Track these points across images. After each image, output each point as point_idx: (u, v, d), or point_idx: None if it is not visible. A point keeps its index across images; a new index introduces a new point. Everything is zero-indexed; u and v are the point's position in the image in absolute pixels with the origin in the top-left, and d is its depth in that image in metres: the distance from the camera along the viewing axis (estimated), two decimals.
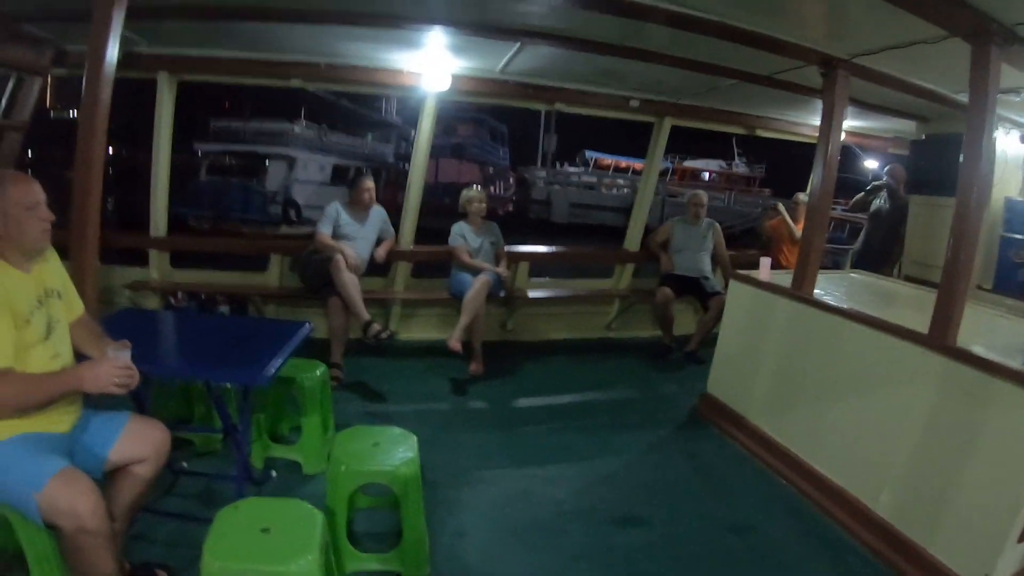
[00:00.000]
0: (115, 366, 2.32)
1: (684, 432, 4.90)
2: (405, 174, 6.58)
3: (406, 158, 24.53)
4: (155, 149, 6.06)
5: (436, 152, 38.89)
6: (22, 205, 2.31)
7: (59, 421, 2.40)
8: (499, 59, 5.37)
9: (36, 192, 2.37)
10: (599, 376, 6.15)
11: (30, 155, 19.29)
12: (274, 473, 3.66)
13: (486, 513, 3.54)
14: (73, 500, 2.13)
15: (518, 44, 4.81)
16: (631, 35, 4.35)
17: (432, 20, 4.41)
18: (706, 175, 39.37)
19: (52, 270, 2.56)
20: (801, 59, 4.27)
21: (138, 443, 2.51)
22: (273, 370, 2.91)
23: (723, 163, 39.80)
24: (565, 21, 4.26)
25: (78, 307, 2.70)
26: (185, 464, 3.60)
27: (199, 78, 6.15)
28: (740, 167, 39.85)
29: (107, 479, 2.44)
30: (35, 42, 5.39)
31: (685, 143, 33.50)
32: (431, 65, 5.75)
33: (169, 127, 6.10)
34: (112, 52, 3.42)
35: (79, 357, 2.57)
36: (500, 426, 4.84)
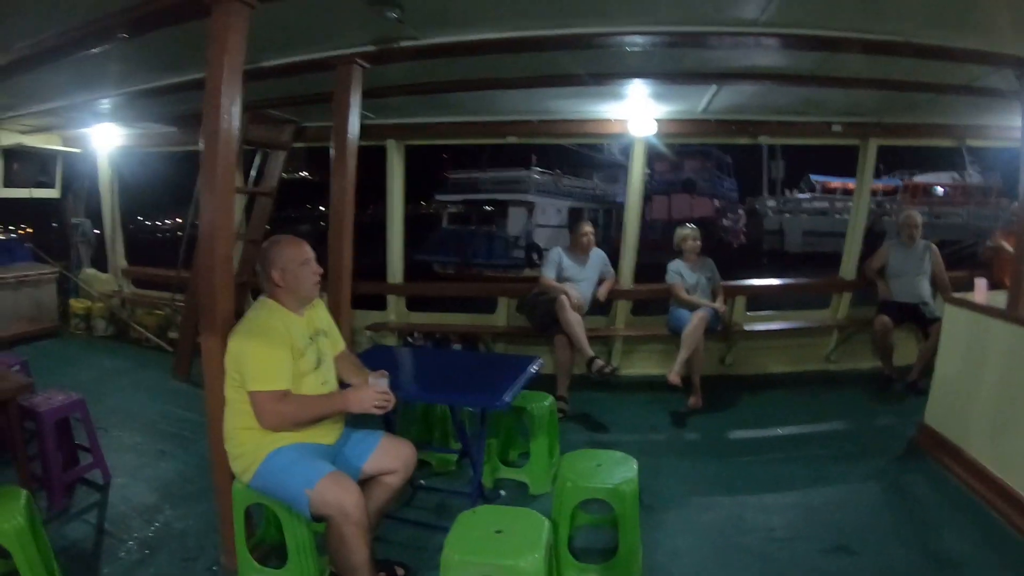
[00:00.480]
0: (376, 391, 2.91)
1: (900, 464, 4.80)
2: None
3: None
4: (389, 207, 7.21)
5: (667, 188, 36.97)
6: (297, 262, 3.01)
7: (327, 435, 3.04)
8: (699, 100, 5.68)
9: (308, 251, 3.06)
10: (816, 408, 6.16)
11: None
12: (503, 492, 4.16)
13: (698, 536, 3.74)
14: (341, 496, 2.71)
15: (715, 87, 5.06)
16: (827, 65, 4.46)
17: (633, 74, 4.83)
18: (939, 189, 34.21)
19: (320, 314, 3.23)
20: (993, 64, 4.20)
21: (390, 457, 3.09)
22: (510, 397, 3.34)
23: (955, 175, 34.11)
24: (760, 60, 4.46)
25: (340, 344, 3.35)
26: (423, 481, 4.16)
27: (423, 142, 7.20)
28: (974, 177, 33.64)
29: (361, 487, 2.89)
30: (278, 123, 6.83)
31: (912, 157, 31.00)
32: (635, 112, 6.23)
33: (400, 187, 7.21)
34: (354, 127, 4.32)
35: (342, 385, 3.22)
36: (716, 456, 5.03)
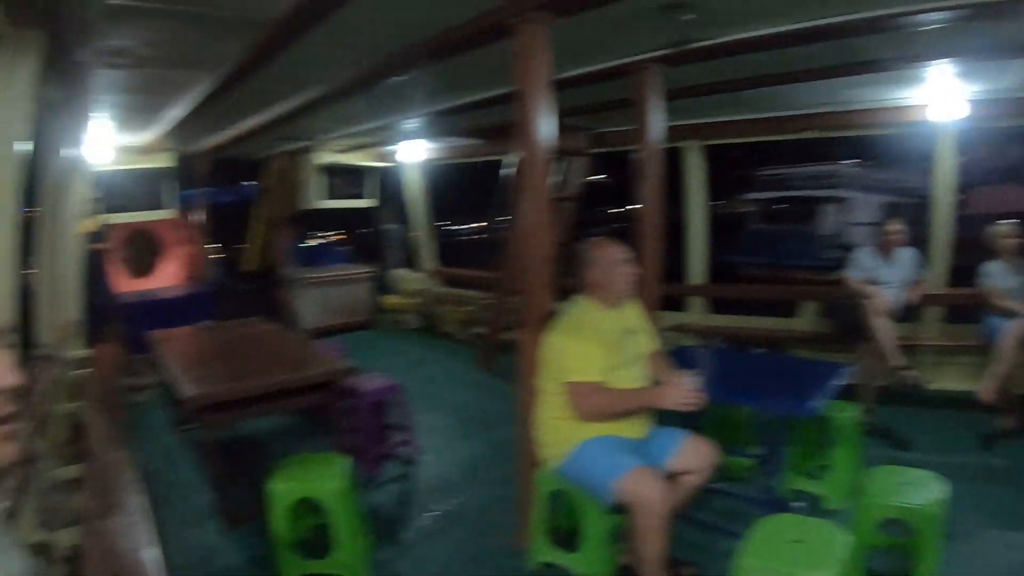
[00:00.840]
0: (687, 389, 2.90)
1: None
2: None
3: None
4: (690, 208, 6.95)
5: (993, 178, 29.58)
6: (614, 262, 3.12)
7: (635, 429, 3.10)
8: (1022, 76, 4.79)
9: (621, 252, 3.15)
10: None
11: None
12: (797, 504, 3.84)
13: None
14: (647, 489, 2.75)
15: None
16: None
17: (936, 55, 4.30)
18: None
19: (633, 313, 3.30)
20: None
21: (692, 457, 3.07)
22: (817, 404, 3.24)
23: None
24: None
25: (653, 342, 3.39)
26: (718, 484, 3.88)
27: (720, 141, 6.87)
28: None
29: None
30: (574, 130, 6.87)
31: None
32: (941, 96, 5.47)
33: (701, 187, 6.97)
34: (656, 131, 4.27)
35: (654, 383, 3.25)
36: None
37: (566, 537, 3.55)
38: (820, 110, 6.12)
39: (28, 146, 2.80)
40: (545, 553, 3.39)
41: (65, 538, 2.79)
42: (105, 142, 7.27)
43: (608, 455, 2.93)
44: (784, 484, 3.97)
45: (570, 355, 3.01)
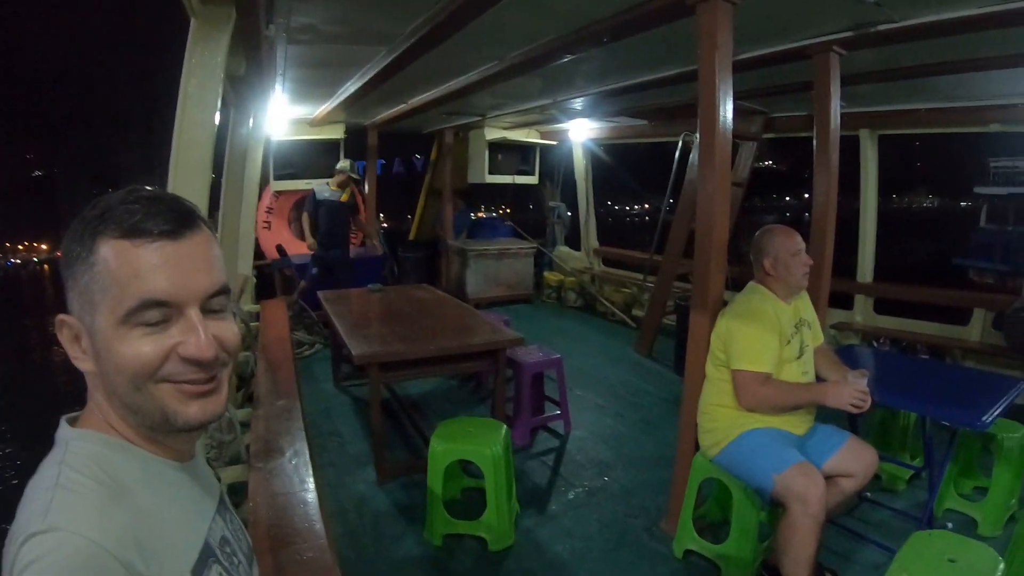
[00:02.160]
0: (856, 389, 2.85)
1: None
2: None
3: None
4: (863, 200, 6.63)
5: None
6: (789, 252, 3.06)
7: (798, 425, 3.07)
8: None
9: (799, 242, 3.10)
10: None
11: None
12: (950, 525, 3.59)
13: None
14: (806, 487, 2.71)
15: None
16: None
17: None
18: None
19: (805, 305, 3.25)
20: None
21: (852, 460, 3.00)
22: (991, 418, 3.00)
23: None
24: None
25: (820, 337, 3.35)
26: (869, 493, 3.88)
27: (897, 131, 6.46)
28: None
29: None
30: (748, 113, 6.66)
31: None
32: None
33: (875, 179, 6.66)
34: (835, 118, 4.12)
35: (818, 379, 3.21)
36: None
37: (713, 527, 3.58)
38: (1007, 101, 5.70)
39: (218, 117, 3.06)
40: (691, 541, 3.39)
41: (231, 475, 3.09)
42: (281, 114, 7.83)
43: (771, 448, 2.93)
44: (938, 502, 3.72)
45: (742, 343, 3.01)
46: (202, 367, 0.92)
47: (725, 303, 3.33)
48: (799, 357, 3.09)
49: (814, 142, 4.27)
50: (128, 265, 0.87)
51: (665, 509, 3.76)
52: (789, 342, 3.04)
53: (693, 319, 3.45)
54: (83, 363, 0.93)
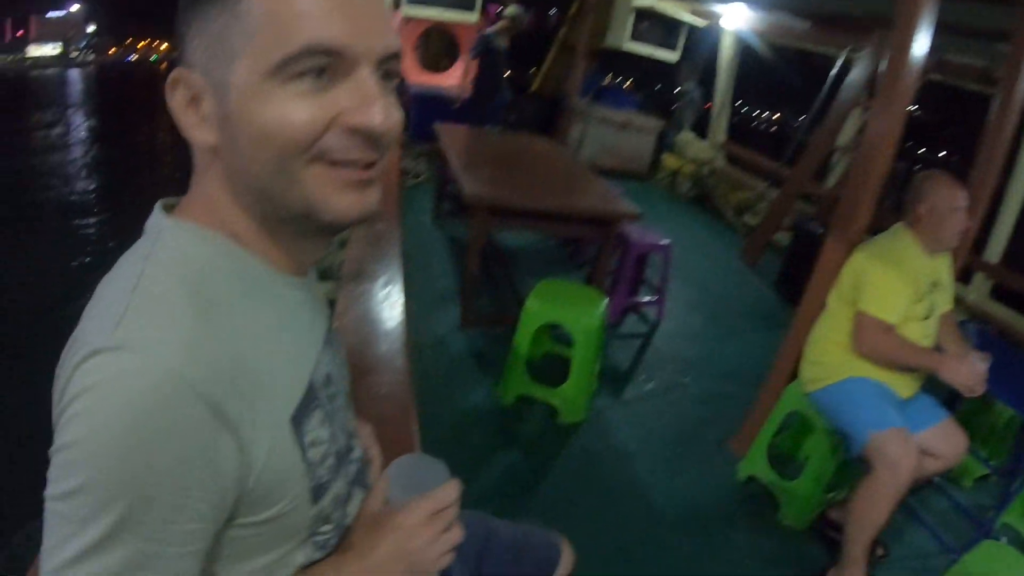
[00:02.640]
0: (976, 371, 2.63)
1: None
2: None
3: None
4: (1016, 173, 5.64)
5: None
6: (949, 206, 2.79)
7: (906, 387, 2.88)
8: None
9: (961, 199, 2.80)
10: None
11: None
12: (1004, 539, 3.31)
13: None
14: (901, 453, 2.57)
15: None
16: None
17: None
18: None
19: (944, 265, 2.99)
20: None
21: (944, 442, 2.84)
22: None
23: None
24: None
25: (951, 303, 3.07)
26: (936, 478, 3.49)
27: None
28: None
29: None
30: None
31: None
32: None
33: None
34: None
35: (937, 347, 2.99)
36: None
37: (781, 459, 3.44)
38: None
39: None
40: (758, 468, 3.28)
41: (321, 291, 3.03)
42: None
43: (875, 402, 2.77)
44: (1010, 511, 3.43)
45: (876, 285, 2.79)
46: (370, 144, 0.71)
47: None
48: (926, 318, 2.87)
49: (995, 101, 3.80)
50: (289, 1, 0.65)
51: (738, 428, 3.61)
52: (920, 300, 2.83)
53: (828, 247, 3.21)
54: (201, 133, 0.72)
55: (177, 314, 0.64)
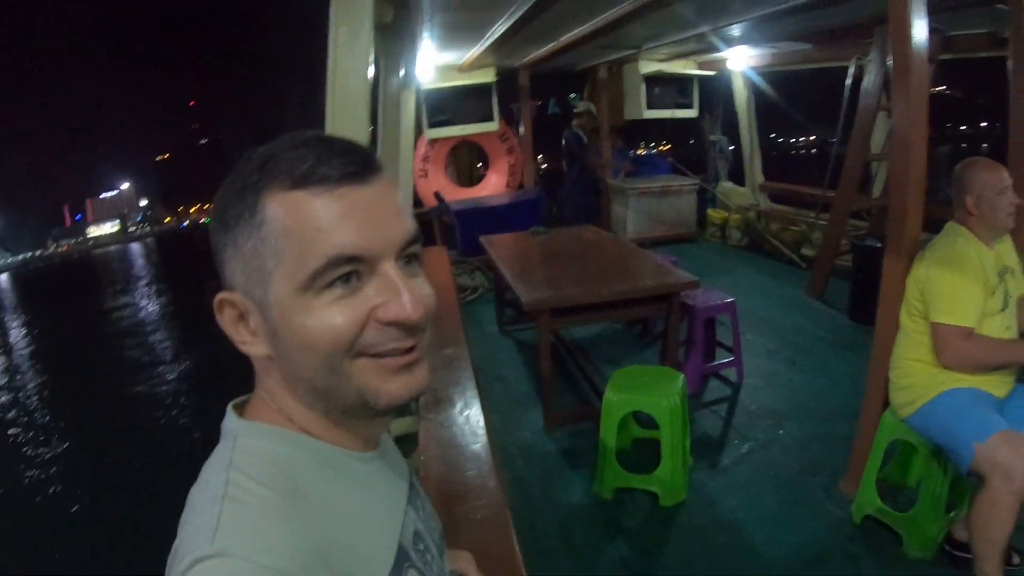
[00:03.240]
0: None
1: None
2: None
3: None
4: None
5: None
6: (995, 189, 2.75)
7: (999, 385, 2.79)
8: None
9: (1005, 177, 2.77)
10: None
11: None
12: None
13: None
14: (1012, 458, 2.46)
15: None
16: None
17: None
18: None
19: (1007, 249, 2.92)
20: None
21: None
22: None
23: None
24: None
25: (1022, 285, 2.99)
26: None
27: None
28: None
29: None
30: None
31: None
32: None
33: None
34: None
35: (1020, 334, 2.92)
36: None
37: (893, 491, 3.36)
38: None
39: (372, 68, 3.01)
40: (871, 506, 3.18)
41: (400, 426, 3.13)
42: (429, 61, 7.88)
43: (972, 411, 2.67)
44: None
45: (943, 292, 2.74)
46: (406, 332, 0.78)
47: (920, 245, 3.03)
48: (1003, 309, 2.80)
49: (1009, 63, 3.76)
50: (307, 218, 0.73)
51: (844, 468, 3.55)
52: (993, 293, 2.76)
53: (887, 264, 3.16)
54: (254, 347, 0.80)
55: (266, 515, 0.70)
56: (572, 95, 10.42)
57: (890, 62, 3.31)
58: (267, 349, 0.80)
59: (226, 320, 0.81)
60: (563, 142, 8.65)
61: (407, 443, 2.68)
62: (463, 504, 2.01)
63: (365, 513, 0.83)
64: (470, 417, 2.63)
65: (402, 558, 0.84)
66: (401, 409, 2.97)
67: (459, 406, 2.74)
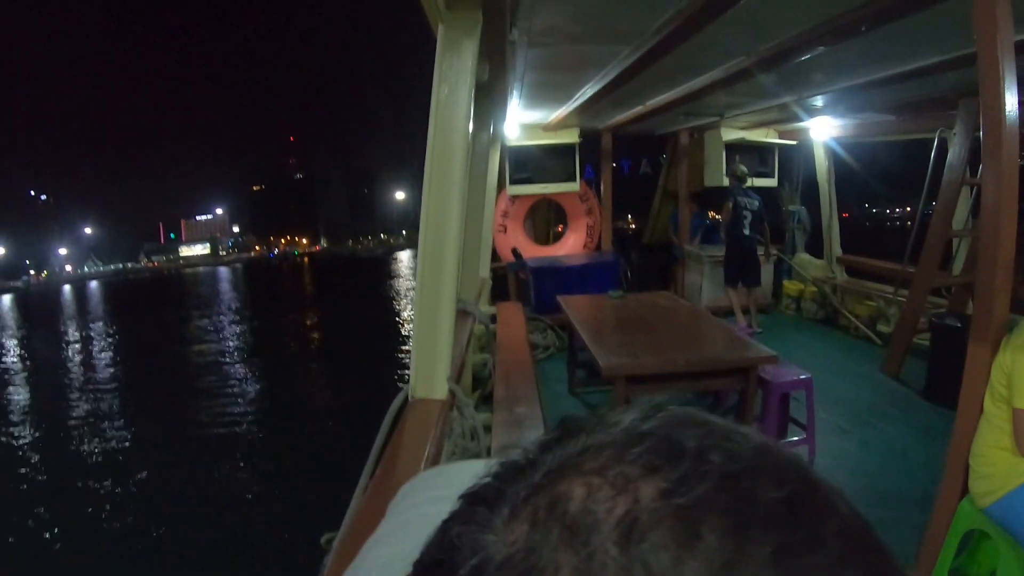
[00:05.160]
0: None
1: None
2: None
3: None
4: None
5: None
6: None
7: None
8: None
9: None
10: None
11: None
12: None
13: None
14: None
15: None
16: None
17: None
18: None
19: None
20: None
21: None
22: None
23: None
24: None
25: None
26: None
27: None
28: None
29: None
30: None
31: None
32: None
33: None
34: None
35: None
36: None
37: None
38: None
39: (471, 124, 3.09)
40: None
41: None
42: (515, 119, 8.01)
43: None
44: None
45: None
46: None
47: (1010, 328, 2.94)
48: None
49: None
50: None
51: (914, 554, 3.40)
52: None
53: (972, 348, 3.06)
54: None
55: None
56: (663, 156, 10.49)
57: (978, 134, 3.24)
58: None
59: None
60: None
61: None
62: None
63: None
64: None
65: None
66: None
67: None
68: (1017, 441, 2.69)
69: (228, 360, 24.06)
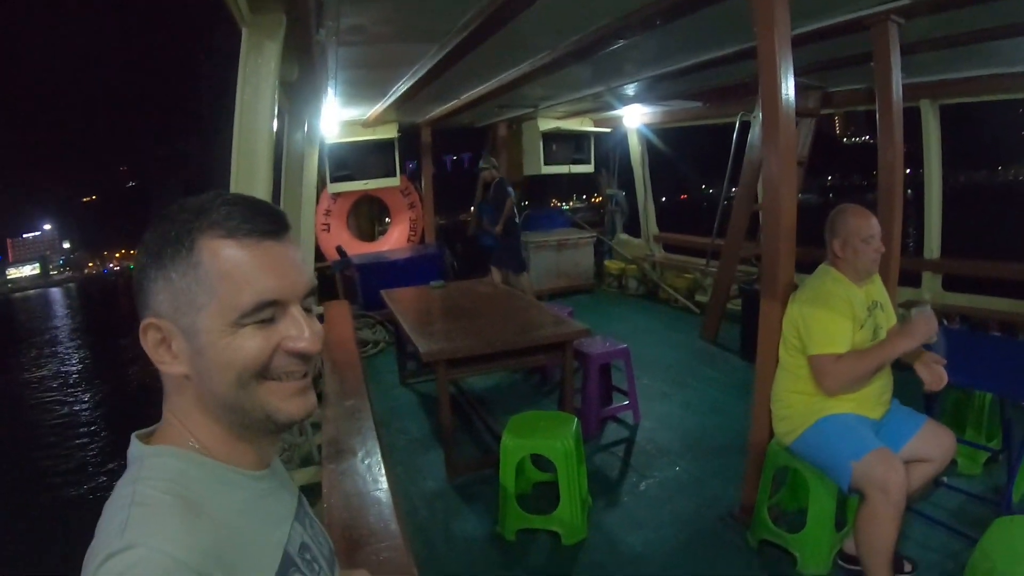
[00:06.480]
0: (927, 320, 2.80)
1: None
2: None
3: None
4: (926, 173, 6.37)
5: None
6: (860, 236, 2.95)
7: (875, 408, 2.99)
8: None
9: (873, 226, 2.97)
10: None
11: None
12: None
13: None
14: (886, 473, 2.64)
15: None
16: None
17: None
18: None
19: (877, 286, 3.14)
20: None
21: (930, 445, 2.91)
22: None
23: None
24: None
25: (893, 318, 3.21)
26: (945, 478, 3.71)
27: (958, 100, 6.23)
28: None
29: None
30: (803, 89, 6.43)
31: None
32: None
33: (938, 152, 6.35)
34: (897, 90, 4.03)
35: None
36: None
37: (788, 516, 3.53)
38: None
39: (275, 124, 3.08)
40: (766, 531, 3.34)
41: (304, 476, 3.13)
42: (333, 117, 7.98)
43: (849, 434, 2.85)
44: (1018, 485, 3.43)
45: (817, 328, 2.93)
46: (305, 361, 0.94)
47: (795, 286, 3.24)
48: (872, 340, 3.00)
49: (877, 116, 4.15)
50: (238, 266, 0.88)
51: (738, 498, 3.71)
52: (863, 326, 2.96)
53: (764, 306, 3.37)
54: (173, 366, 0.91)
55: (168, 516, 0.81)
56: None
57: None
58: (185, 369, 0.91)
59: (149, 343, 0.91)
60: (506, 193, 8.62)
61: (311, 493, 2.69)
62: (367, 548, 2.04)
63: (254, 522, 0.94)
64: (371, 465, 2.66)
65: (287, 563, 0.95)
66: (305, 459, 2.99)
67: (360, 455, 2.77)
68: (818, 383, 2.95)
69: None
